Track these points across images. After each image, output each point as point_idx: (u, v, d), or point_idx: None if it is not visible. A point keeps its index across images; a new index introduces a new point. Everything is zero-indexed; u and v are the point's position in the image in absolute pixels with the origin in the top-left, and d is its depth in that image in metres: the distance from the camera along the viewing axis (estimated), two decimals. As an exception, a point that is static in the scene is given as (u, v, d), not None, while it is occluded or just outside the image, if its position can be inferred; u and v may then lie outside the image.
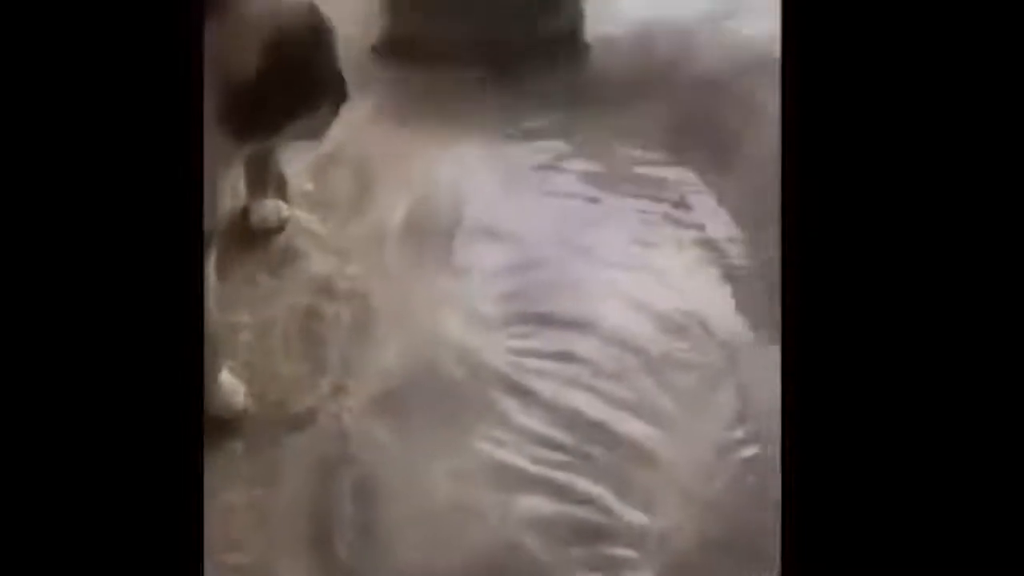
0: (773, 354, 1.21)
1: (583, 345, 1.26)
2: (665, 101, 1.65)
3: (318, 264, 1.36)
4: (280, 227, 1.40)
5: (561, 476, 1.12)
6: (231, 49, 0.92)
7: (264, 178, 1.39)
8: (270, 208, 1.39)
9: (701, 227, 1.41)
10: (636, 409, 1.18)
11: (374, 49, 1.67)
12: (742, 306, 1.31)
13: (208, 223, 0.94)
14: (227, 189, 1.16)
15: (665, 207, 1.44)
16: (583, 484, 1.11)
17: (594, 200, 1.46)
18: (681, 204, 1.45)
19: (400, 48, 1.68)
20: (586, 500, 1.09)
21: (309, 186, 1.48)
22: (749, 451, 1.13)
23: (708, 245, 1.39)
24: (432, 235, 1.41)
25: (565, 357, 1.24)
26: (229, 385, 1.16)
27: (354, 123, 1.42)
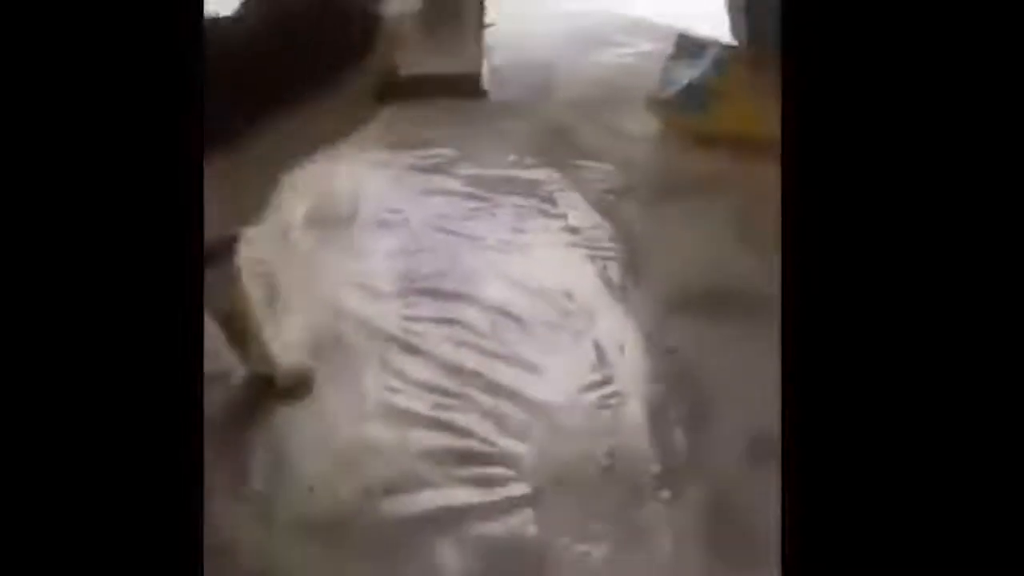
0: (625, 317, 1.46)
1: (466, 312, 1.46)
2: (537, 118, 1.91)
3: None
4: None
5: (447, 415, 1.30)
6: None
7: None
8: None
9: (565, 217, 1.65)
10: (511, 360, 1.39)
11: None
12: (603, 280, 1.55)
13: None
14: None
15: (535, 202, 1.69)
16: (467, 421, 1.30)
17: (476, 197, 1.69)
18: (549, 199, 1.69)
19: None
20: (469, 434, 1.28)
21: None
22: (604, 390, 1.35)
23: (574, 232, 1.63)
24: (333, 226, 1.60)
25: (450, 322, 1.44)
26: None
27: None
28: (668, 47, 1.94)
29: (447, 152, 1.78)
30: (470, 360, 1.38)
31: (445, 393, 1.33)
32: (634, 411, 1.32)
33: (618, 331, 1.45)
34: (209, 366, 1.31)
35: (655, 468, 1.24)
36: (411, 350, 1.39)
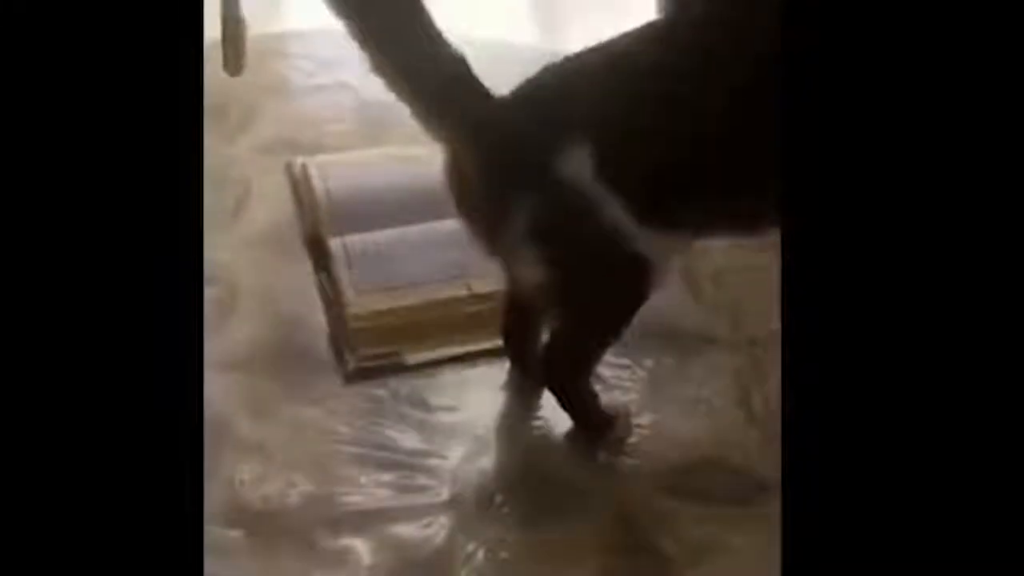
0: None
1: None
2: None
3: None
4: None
5: (381, 428, 1.40)
6: None
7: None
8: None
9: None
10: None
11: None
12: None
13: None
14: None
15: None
16: (394, 434, 1.39)
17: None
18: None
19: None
20: (394, 444, 1.37)
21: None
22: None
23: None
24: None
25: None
26: None
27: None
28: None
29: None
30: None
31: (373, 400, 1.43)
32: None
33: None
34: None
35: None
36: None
